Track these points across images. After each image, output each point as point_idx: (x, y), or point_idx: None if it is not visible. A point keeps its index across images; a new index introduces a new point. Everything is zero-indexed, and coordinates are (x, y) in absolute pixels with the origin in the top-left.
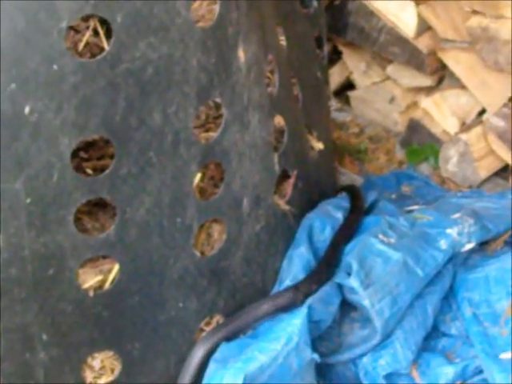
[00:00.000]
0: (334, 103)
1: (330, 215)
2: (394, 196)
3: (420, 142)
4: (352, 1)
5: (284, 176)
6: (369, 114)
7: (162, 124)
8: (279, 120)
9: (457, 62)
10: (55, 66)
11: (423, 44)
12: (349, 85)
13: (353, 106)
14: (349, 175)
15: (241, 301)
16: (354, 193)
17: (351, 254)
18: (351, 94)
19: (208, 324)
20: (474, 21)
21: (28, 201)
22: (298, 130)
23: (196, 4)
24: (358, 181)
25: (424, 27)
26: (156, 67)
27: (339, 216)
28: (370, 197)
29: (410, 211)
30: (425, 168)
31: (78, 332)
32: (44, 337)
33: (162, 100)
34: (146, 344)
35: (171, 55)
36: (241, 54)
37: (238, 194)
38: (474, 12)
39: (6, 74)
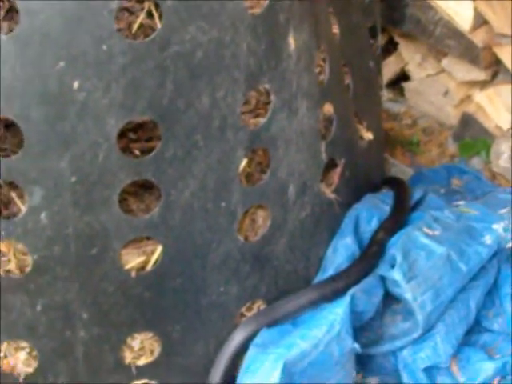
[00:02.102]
0: (386, 94)
1: (377, 207)
2: (442, 190)
3: (472, 136)
4: None
5: (331, 164)
6: (422, 106)
7: (209, 108)
8: (328, 108)
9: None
10: (104, 47)
11: (479, 38)
12: (403, 76)
13: (407, 98)
14: (399, 166)
15: (283, 287)
16: (399, 187)
17: (395, 247)
18: (406, 85)
19: (249, 309)
20: None
21: (73, 179)
22: (348, 118)
23: None
24: (409, 173)
25: (480, 21)
26: (205, 51)
27: (386, 208)
28: (417, 193)
29: (458, 205)
30: (476, 162)
31: (119, 312)
32: (85, 315)
33: (211, 84)
34: (186, 326)
35: (221, 39)
36: (291, 41)
37: (284, 180)
38: None
39: (55, 52)
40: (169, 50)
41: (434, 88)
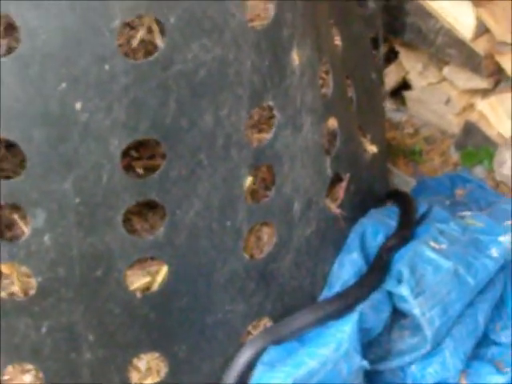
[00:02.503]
0: (388, 104)
1: (383, 222)
2: (447, 202)
3: (475, 144)
4: (410, 1)
5: (336, 179)
6: (424, 114)
7: (213, 126)
8: (332, 122)
9: None
10: (107, 66)
11: (480, 47)
12: (405, 85)
13: (408, 107)
14: (402, 177)
15: (289, 304)
16: (404, 200)
17: (402, 262)
18: (407, 94)
19: (255, 327)
20: None
21: (77, 201)
22: (352, 132)
23: (252, 2)
24: (411, 183)
25: (482, 30)
26: (208, 69)
27: (392, 223)
28: (422, 206)
29: (463, 217)
30: (479, 171)
31: (125, 333)
32: (90, 337)
33: (214, 102)
34: (193, 346)
35: (224, 57)
36: (295, 56)
37: (289, 197)
38: None
39: (56, 73)
40: (171, 69)
41: (436, 96)
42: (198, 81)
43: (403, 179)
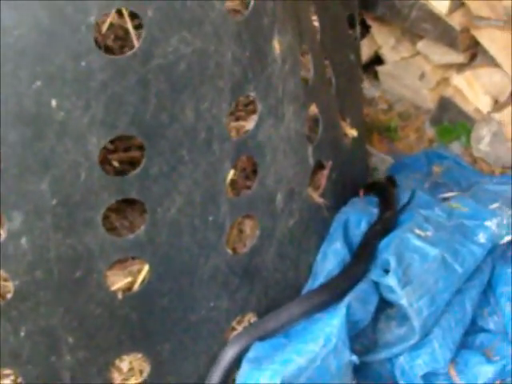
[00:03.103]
0: (365, 84)
1: (365, 210)
2: (427, 185)
3: (451, 120)
4: None
5: (318, 167)
6: (398, 89)
7: (194, 120)
8: (313, 108)
9: (491, 40)
10: (83, 63)
11: (456, 21)
12: (377, 59)
13: (381, 81)
14: (378, 156)
15: (273, 297)
16: (383, 189)
17: (388, 251)
18: (380, 69)
19: (240, 322)
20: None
21: (54, 202)
22: (333, 117)
23: None
24: (388, 161)
25: (457, 4)
26: (189, 62)
27: (375, 211)
28: (405, 193)
29: (445, 199)
30: (456, 147)
31: (106, 334)
32: (70, 340)
33: (195, 96)
34: (176, 345)
35: (205, 49)
36: (276, 44)
37: (272, 188)
38: None
39: (30, 70)
40: (151, 63)
41: (410, 71)
42: (179, 74)
43: (380, 158)
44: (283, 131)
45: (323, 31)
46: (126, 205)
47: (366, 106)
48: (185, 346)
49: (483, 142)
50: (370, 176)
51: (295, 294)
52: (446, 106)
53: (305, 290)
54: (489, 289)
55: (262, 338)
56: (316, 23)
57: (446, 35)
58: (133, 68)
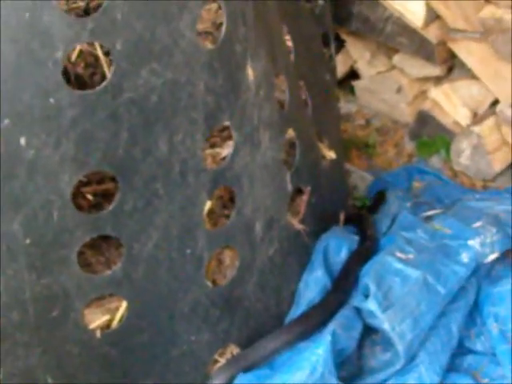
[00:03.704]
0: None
1: (345, 236)
2: (409, 204)
3: (430, 133)
4: None
5: (296, 192)
6: (375, 104)
7: (168, 153)
8: (290, 133)
9: (468, 52)
10: (51, 100)
11: (432, 34)
12: (352, 74)
13: (358, 96)
14: (357, 173)
15: (255, 327)
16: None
17: (368, 275)
18: (356, 84)
19: (222, 355)
20: (487, 11)
21: (27, 242)
22: (310, 140)
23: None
24: (368, 179)
25: (433, 17)
26: (160, 94)
27: (355, 238)
28: (387, 220)
29: (429, 217)
30: (436, 161)
31: (86, 373)
32: (49, 380)
33: (168, 128)
34: (158, 381)
35: (176, 80)
36: (249, 71)
37: (250, 218)
38: (487, 1)
39: None
40: (121, 97)
41: (386, 85)
42: (150, 107)
43: (359, 175)
44: (260, 159)
45: (297, 52)
46: (101, 240)
47: (343, 122)
48: (166, 382)
49: (463, 155)
50: (350, 195)
51: (278, 323)
52: (424, 119)
53: (287, 319)
54: (475, 309)
55: (245, 370)
56: (289, 43)
57: (422, 48)
58: (103, 103)
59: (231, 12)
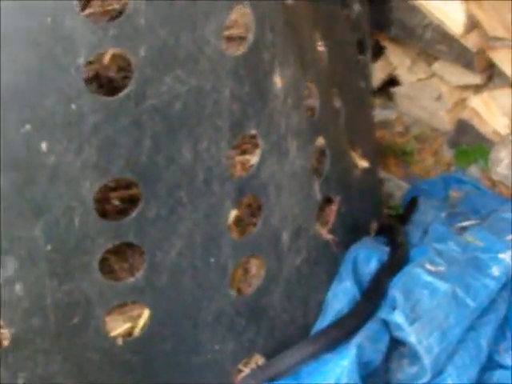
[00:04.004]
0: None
1: (375, 247)
2: (444, 214)
3: (469, 142)
4: None
5: (326, 201)
6: (415, 111)
7: (192, 161)
8: (320, 141)
9: (507, 61)
10: (73, 106)
11: (472, 42)
12: (392, 81)
13: (398, 104)
14: (394, 181)
15: (281, 338)
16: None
17: (396, 287)
18: (396, 90)
19: (246, 364)
20: None
21: (48, 248)
22: (341, 149)
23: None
24: (404, 187)
25: (472, 24)
26: (184, 101)
27: (386, 249)
28: (418, 231)
29: (463, 228)
30: (474, 170)
31: (107, 381)
32: None
33: (192, 136)
34: None
35: (201, 87)
36: (277, 79)
37: (277, 227)
38: None
39: (19, 114)
40: (144, 104)
41: (426, 93)
42: (174, 114)
43: (395, 183)
44: (288, 168)
45: (330, 58)
46: (126, 246)
47: (381, 129)
48: None
49: (502, 164)
50: (385, 204)
51: (304, 333)
52: (463, 128)
53: (314, 330)
54: (505, 323)
55: (270, 381)
56: (323, 51)
57: (461, 57)
58: (125, 109)
59: (259, 18)
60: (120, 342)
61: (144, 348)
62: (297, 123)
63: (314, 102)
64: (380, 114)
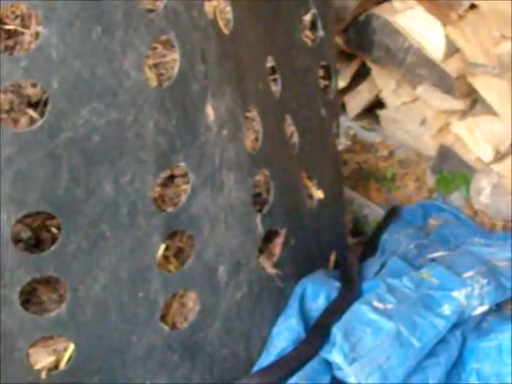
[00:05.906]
0: (343, 141)
1: (325, 282)
2: (412, 246)
3: (451, 169)
4: (377, 18)
5: (272, 233)
6: (399, 135)
7: (114, 195)
8: (264, 172)
9: (487, 87)
10: None
11: (452, 67)
12: (378, 103)
13: (383, 126)
14: (372, 207)
15: (221, 374)
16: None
17: (337, 325)
18: (381, 113)
19: None
20: (504, 47)
21: None
22: (291, 180)
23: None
24: (381, 213)
25: (453, 49)
26: (104, 134)
27: (336, 284)
28: (376, 264)
29: (433, 259)
30: (456, 198)
31: None
32: None
33: (114, 169)
34: None
35: (121, 120)
36: (210, 111)
37: (212, 262)
38: (504, 37)
39: None
40: (59, 136)
41: (411, 116)
42: (93, 148)
43: (373, 210)
44: (223, 201)
45: (287, 88)
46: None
47: (365, 153)
48: None
49: (483, 193)
50: (360, 228)
51: (248, 368)
52: (446, 154)
53: (257, 366)
54: (460, 365)
55: None
56: (274, 77)
57: (442, 81)
58: (39, 142)
59: (186, 51)
60: (44, 375)
61: (70, 383)
62: (234, 155)
63: (257, 133)
64: (365, 136)
